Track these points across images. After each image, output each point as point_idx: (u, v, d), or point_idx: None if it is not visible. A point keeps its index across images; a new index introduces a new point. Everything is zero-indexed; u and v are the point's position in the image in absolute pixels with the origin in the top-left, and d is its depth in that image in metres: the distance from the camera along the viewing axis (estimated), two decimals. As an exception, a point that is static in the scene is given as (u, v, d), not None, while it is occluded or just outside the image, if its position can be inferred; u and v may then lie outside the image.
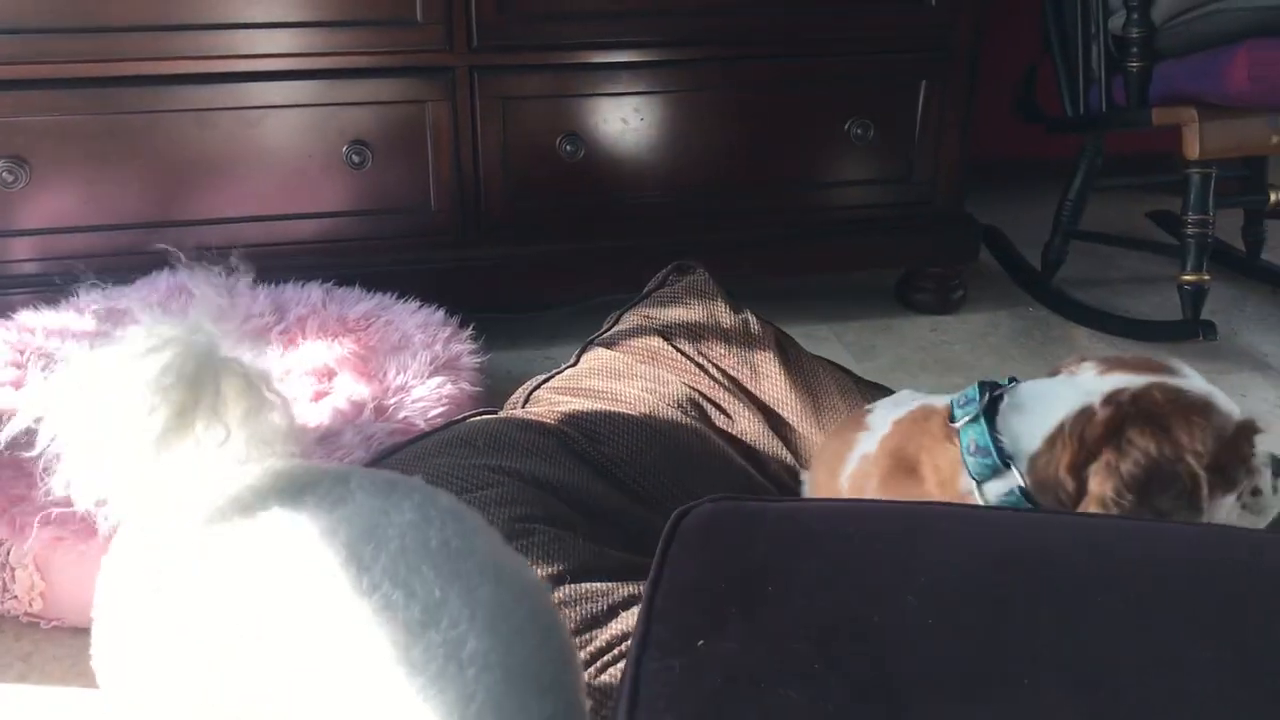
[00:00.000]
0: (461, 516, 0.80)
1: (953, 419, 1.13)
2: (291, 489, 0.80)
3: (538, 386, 1.49)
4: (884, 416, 1.24)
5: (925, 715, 0.65)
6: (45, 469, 1.23)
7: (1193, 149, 1.88)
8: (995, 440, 1.09)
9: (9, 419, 0.83)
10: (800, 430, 1.50)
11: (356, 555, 0.73)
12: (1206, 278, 1.94)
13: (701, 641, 0.70)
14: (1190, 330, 1.93)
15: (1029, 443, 1.09)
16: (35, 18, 1.71)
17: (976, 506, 1.08)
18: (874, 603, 0.74)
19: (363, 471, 0.83)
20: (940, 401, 1.19)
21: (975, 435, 1.10)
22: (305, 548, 0.75)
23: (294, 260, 1.89)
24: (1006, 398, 1.12)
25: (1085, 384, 1.11)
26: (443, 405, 1.53)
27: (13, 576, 1.34)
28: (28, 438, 0.83)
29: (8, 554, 1.33)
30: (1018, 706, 0.65)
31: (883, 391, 1.53)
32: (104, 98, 1.77)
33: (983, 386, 1.13)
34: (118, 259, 1.84)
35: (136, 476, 0.81)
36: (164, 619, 0.80)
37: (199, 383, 0.79)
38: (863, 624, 0.72)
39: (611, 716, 0.69)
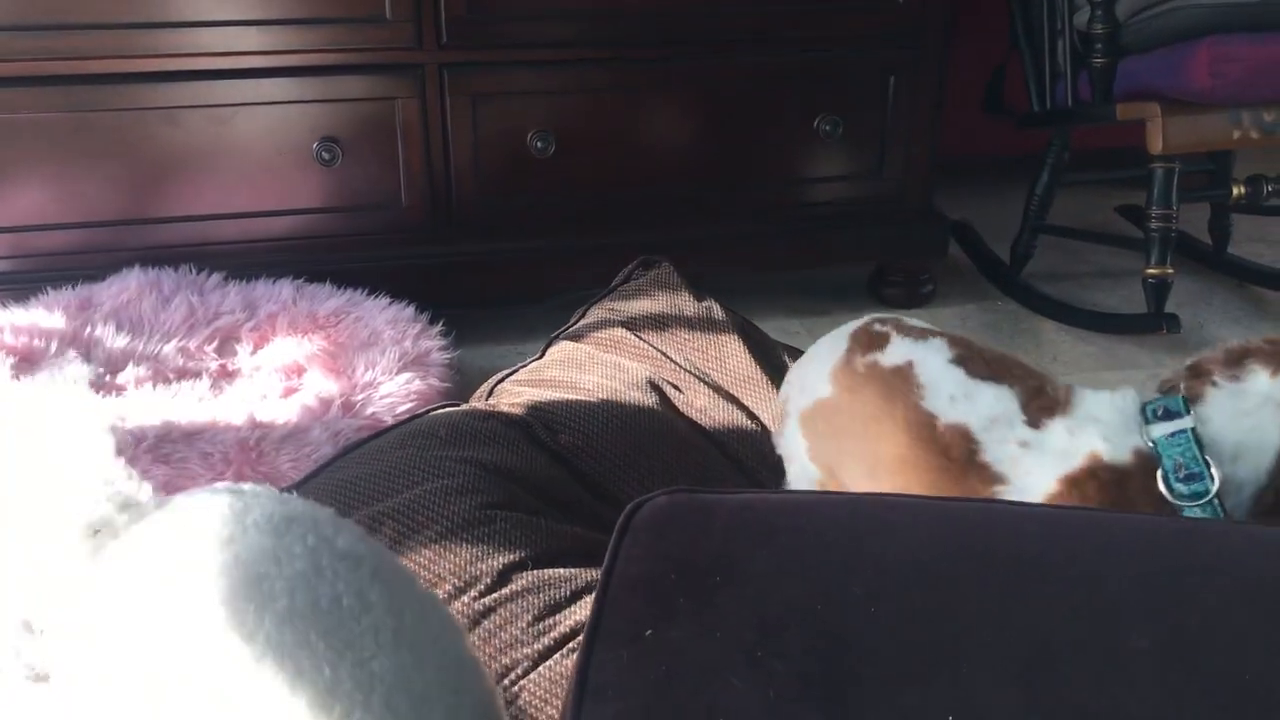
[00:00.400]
0: (358, 562, 0.72)
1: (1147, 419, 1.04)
2: (188, 517, 0.74)
3: (502, 380, 1.50)
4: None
5: (866, 700, 0.67)
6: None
7: (1156, 144, 1.90)
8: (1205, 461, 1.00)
9: None
10: (764, 411, 1.51)
11: (241, 617, 0.66)
12: (1170, 271, 1.96)
13: (650, 631, 0.71)
14: (1154, 323, 1.95)
15: (1249, 473, 1.00)
16: (2, 15, 1.71)
17: (935, 499, 1.09)
18: (822, 593, 0.75)
19: (263, 501, 0.75)
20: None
21: (1182, 457, 1.00)
22: (190, 594, 0.69)
23: (265, 257, 1.89)
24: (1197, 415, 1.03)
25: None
26: (411, 401, 1.54)
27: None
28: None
29: None
30: (957, 690, 0.67)
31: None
32: (73, 95, 1.77)
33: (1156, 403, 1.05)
34: (89, 256, 1.85)
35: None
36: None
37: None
38: (810, 614, 0.74)
39: (563, 707, 0.70)
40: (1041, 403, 1.09)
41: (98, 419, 0.78)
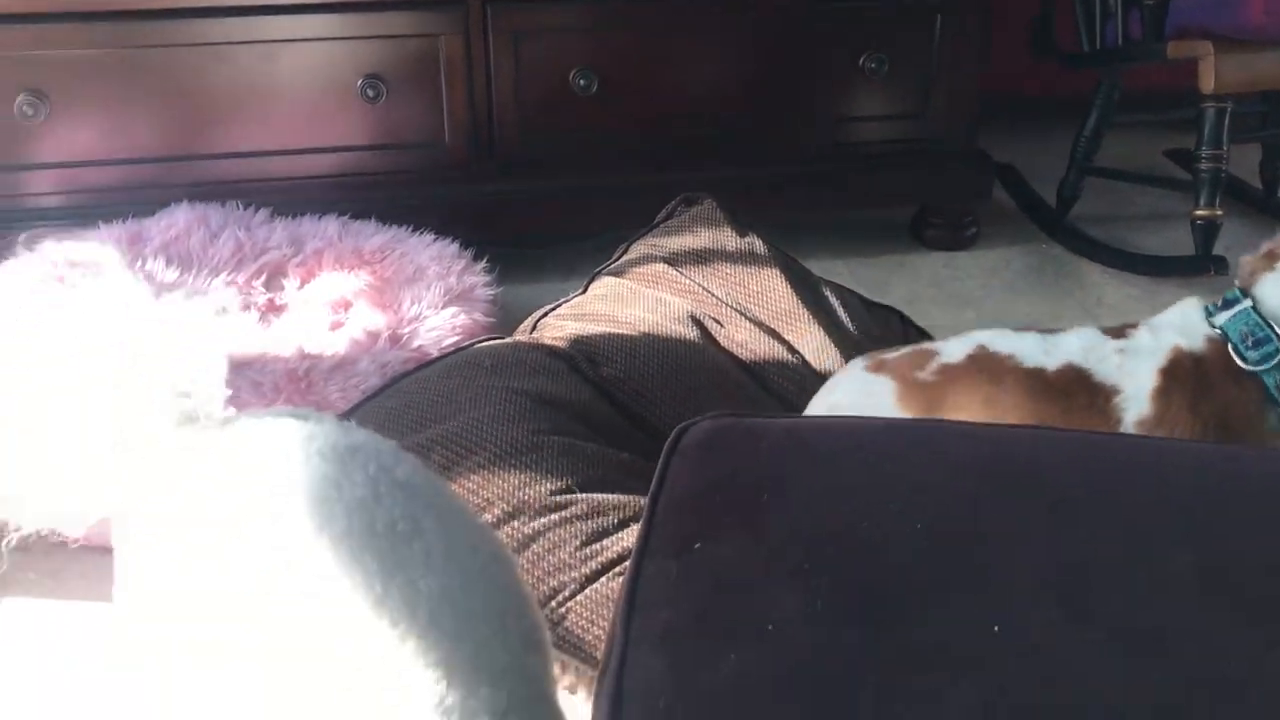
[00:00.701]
0: (415, 491, 0.75)
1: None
2: (260, 437, 0.77)
3: (545, 314, 1.51)
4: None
5: (907, 612, 0.68)
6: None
7: (1208, 83, 1.87)
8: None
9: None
10: (805, 345, 1.51)
11: (302, 534, 0.70)
12: (1219, 213, 1.93)
13: (698, 545, 0.73)
14: (1202, 265, 1.93)
15: None
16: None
17: (978, 425, 1.10)
18: (865, 512, 0.76)
19: (328, 429, 0.78)
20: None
21: (1246, 326, 1.15)
22: (257, 509, 0.73)
23: (311, 194, 1.91)
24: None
25: None
26: (456, 335, 1.56)
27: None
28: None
29: (36, 475, 1.37)
30: (996, 605, 0.68)
31: (889, 313, 1.57)
32: (121, 31, 1.79)
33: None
34: (138, 191, 1.87)
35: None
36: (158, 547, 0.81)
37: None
38: (854, 531, 0.75)
39: (613, 619, 0.72)
40: (1115, 330, 1.23)
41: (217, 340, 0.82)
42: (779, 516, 0.76)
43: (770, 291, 1.53)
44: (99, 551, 1.41)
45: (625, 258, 1.60)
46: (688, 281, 1.54)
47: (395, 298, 1.63)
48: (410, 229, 1.84)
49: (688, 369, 1.42)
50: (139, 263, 1.71)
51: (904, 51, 2.03)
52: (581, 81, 1.92)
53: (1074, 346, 1.21)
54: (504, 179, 1.97)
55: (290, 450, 0.75)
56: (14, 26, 1.77)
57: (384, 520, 0.71)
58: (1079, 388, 1.19)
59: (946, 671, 0.65)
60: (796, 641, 0.66)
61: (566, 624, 1.10)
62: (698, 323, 1.49)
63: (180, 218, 1.80)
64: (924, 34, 2.03)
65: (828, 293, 1.60)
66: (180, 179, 1.88)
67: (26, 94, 1.78)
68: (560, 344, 1.40)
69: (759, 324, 1.51)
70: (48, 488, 0.80)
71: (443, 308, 1.60)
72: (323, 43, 1.85)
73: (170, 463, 0.78)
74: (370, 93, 1.87)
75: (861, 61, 2.01)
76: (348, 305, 1.67)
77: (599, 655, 1.11)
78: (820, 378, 1.42)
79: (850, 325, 1.55)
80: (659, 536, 0.75)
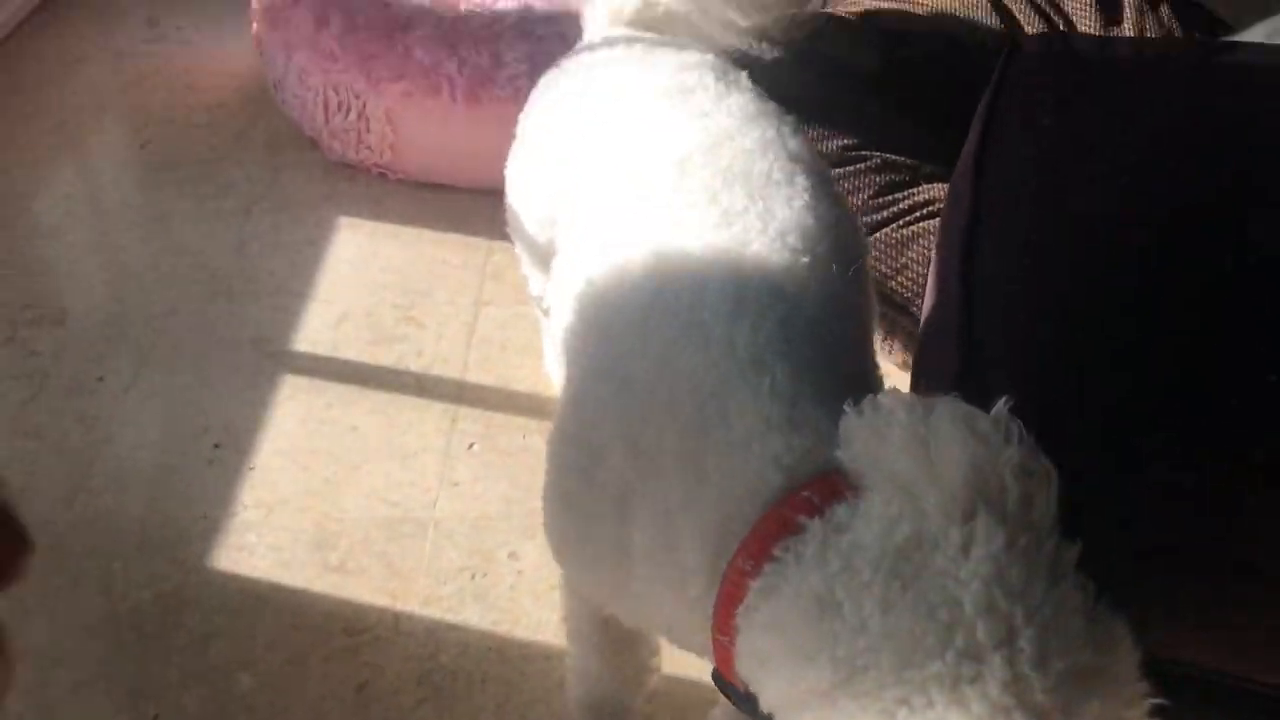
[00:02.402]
0: (798, 157, 0.81)
1: None
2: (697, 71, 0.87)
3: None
4: None
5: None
6: (405, 25, 1.38)
7: None
8: None
9: None
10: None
11: (687, 160, 0.78)
12: None
13: (1045, 120, 0.76)
14: None
15: None
16: None
17: None
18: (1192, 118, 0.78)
19: (745, 86, 0.88)
20: None
21: None
22: (663, 120, 0.83)
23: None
24: None
25: None
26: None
27: (367, 127, 1.52)
28: None
29: (364, 107, 1.51)
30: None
31: None
32: None
33: None
34: None
35: None
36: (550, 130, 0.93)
37: None
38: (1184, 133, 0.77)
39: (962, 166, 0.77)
40: None
41: None
42: (1105, 115, 0.79)
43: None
44: (413, 186, 1.56)
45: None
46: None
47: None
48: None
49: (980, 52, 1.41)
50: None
51: None
52: None
53: None
54: None
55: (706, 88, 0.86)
56: None
57: (761, 168, 0.79)
58: None
59: None
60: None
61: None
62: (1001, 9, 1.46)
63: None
64: None
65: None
66: None
67: None
68: (854, 15, 1.41)
69: (1041, 6, 1.47)
70: None
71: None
72: None
73: None
74: None
75: None
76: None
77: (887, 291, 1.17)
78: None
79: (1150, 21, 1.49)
80: (1003, 112, 0.79)
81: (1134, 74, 0.85)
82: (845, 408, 0.57)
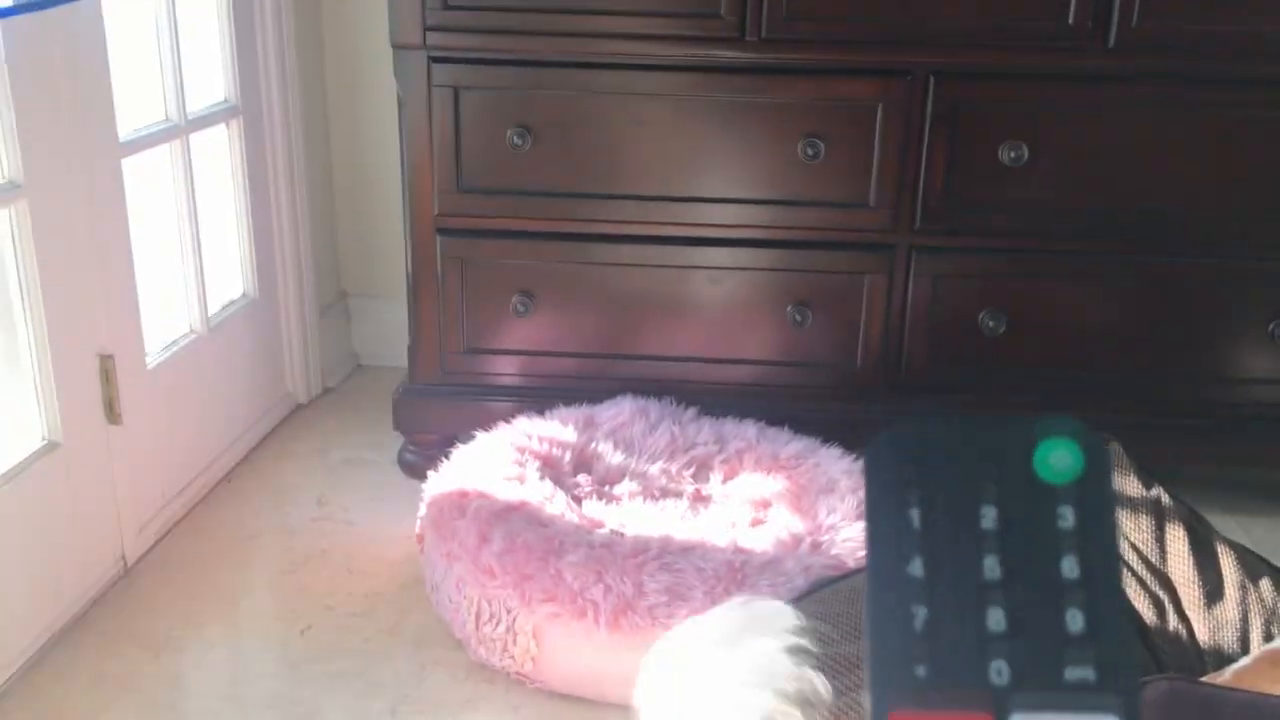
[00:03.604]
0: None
1: None
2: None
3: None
4: None
5: None
6: (559, 550, 1.53)
7: None
8: None
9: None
10: (1195, 616, 1.56)
11: None
12: None
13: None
14: None
15: None
16: (543, 184, 2.10)
17: None
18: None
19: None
20: None
21: None
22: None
23: (728, 399, 2.16)
24: None
25: None
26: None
27: (514, 640, 1.65)
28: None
29: (513, 621, 1.64)
30: None
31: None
32: (587, 251, 2.13)
33: None
34: (587, 381, 2.19)
35: None
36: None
37: None
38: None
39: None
40: None
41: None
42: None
43: (1173, 555, 1.59)
44: (550, 695, 1.65)
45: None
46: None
47: (812, 505, 1.82)
48: (820, 440, 2.04)
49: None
50: (591, 444, 2.01)
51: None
52: (990, 322, 2.09)
53: None
54: (908, 401, 2.15)
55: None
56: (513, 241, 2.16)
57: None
58: None
59: None
60: None
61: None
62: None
63: (626, 407, 2.09)
64: (1340, 305, 2.06)
65: (1228, 556, 1.63)
66: (623, 373, 2.19)
67: (520, 295, 2.16)
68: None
69: (1161, 585, 1.57)
70: None
71: (855, 520, 1.77)
72: (762, 272, 2.12)
73: None
74: (798, 318, 2.11)
75: (1271, 328, 2.06)
76: (767, 505, 1.88)
77: None
78: (1206, 652, 1.46)
79: (1236, 595, 1.58)
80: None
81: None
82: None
